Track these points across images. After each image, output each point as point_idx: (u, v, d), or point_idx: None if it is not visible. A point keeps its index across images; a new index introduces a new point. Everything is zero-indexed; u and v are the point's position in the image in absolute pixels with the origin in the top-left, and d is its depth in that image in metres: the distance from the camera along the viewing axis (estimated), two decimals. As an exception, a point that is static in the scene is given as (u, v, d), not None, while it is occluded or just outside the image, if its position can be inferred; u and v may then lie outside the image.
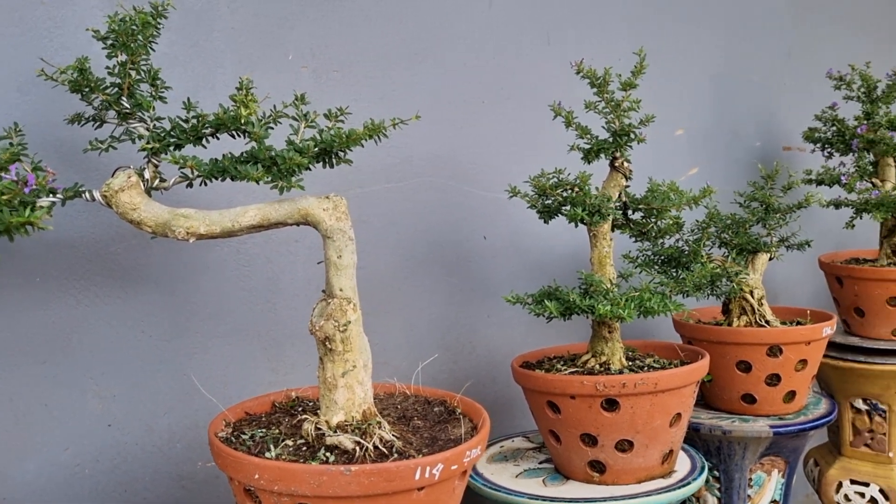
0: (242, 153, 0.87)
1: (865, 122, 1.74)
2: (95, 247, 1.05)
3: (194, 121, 0.87)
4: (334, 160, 0.87)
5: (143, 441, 1.10)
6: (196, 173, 0.86)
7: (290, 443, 0.83)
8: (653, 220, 1.27)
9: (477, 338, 1.47)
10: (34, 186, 0.76)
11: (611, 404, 1.11)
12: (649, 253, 1.38)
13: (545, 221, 1.21)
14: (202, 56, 1.13)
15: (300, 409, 0.95)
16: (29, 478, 1.02)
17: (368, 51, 1.30)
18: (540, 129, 1.42)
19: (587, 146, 1.22)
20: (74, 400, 1.04)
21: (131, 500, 1.08)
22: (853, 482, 1.72)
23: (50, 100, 1.00)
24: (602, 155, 1.21)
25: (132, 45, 0.85)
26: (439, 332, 1.42)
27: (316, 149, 0.85)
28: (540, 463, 1.26)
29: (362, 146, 0.87)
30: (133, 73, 0.87)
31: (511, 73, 1.49)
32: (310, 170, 0.88)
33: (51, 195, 0.82)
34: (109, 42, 0.86)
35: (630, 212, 1.27)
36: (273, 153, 0.83)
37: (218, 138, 0.89)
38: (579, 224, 1.17)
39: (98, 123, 0.91)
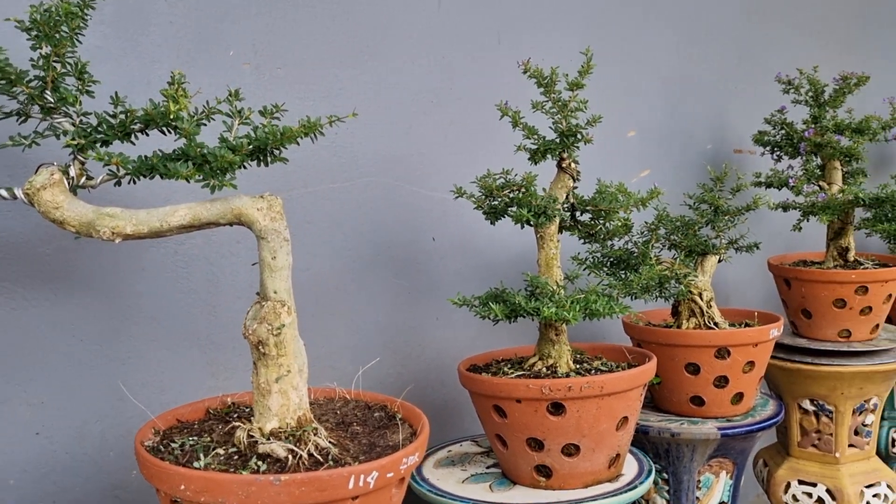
0: (174, 150, 0.83)
1: (813, 125, 1.76)
2: (23, 248, 1.00)
3: (122, 116, 0.83)
4: (269, 158, 0.84)
5: (74, 449, 1.05)
6: (123, 171, 0.82)
7: (221, 451, 0.80)
8: (601, 221, 1.27)
9: (425, 340, 1.45)
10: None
11: (557, 408, 1.10)
12: (598, 255, 1.38)
13: (492, 223, 1.20)
14: (138, 51, 1.10)
15: (235, 415, 0.92)
16: (-50, 489, 0.97)
17: (314, 48, 1.27)
18: (490, 130, 1.41)
19: (534, 147, 1.20)
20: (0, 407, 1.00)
21: (60, 511, 1.04)
22: (801, 482, 1.73)
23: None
24: (549, 156, 1.20)
25: (56, 36, 0.82)
26: (386, 335, 1.39)
27: (250, 146, 0.82)
28: (487, 468, 1.24)
29: (297, 144, 0.84)
30: (58, 65, 0.83)
31: (461, 73, 1.47)
32: (245, 168, 0.86)
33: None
34: (34, 33, 0.82)
35: (578, 213, 1.26)
36: (204, 151, 0.80)
37: (147, 135, 0.85)
38: (526, 225, 1.16)
39: (23, 118, 0.87)
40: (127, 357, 1.09)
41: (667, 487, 1.45)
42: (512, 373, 1.18)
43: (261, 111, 0.86)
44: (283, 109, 0.87)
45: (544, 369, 1.18)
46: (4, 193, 0.82)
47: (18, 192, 0.81)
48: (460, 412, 1.49)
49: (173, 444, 0.83)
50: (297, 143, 0.84)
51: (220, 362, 1.18)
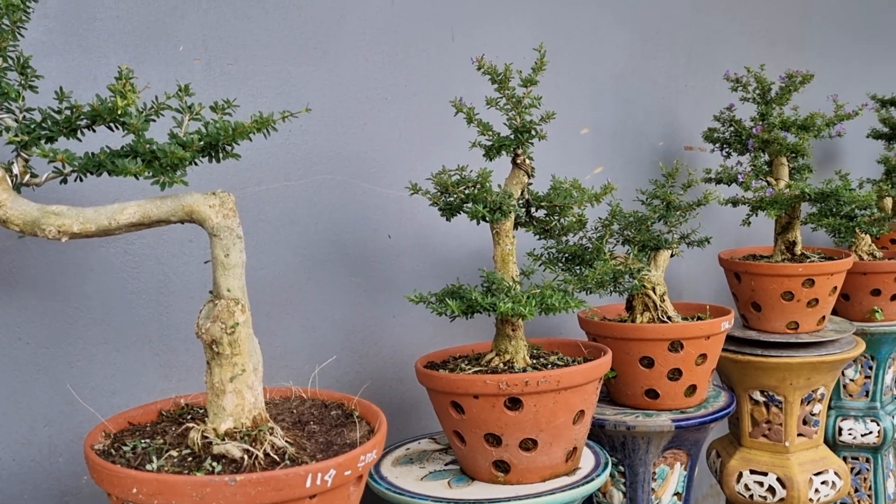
0: (122, 147, 0.82)
1: (760, 122, 1.80)
2: (-36, 248, 0.97)
3: (68, 112, 0.81)
4: (221, 154, 0.83)
5: (21, 455, 1.03)
6: (69, 168, 0.80)
7: (174, 453, 0.79)
8: (556, 217, 1.27)
9: (382, 338, 1.44)
10: None
11: (514, 403, 1.10)
12: (553, 250, 1.39)
13: (447, 219, 1.20)
14: (83, 45, 1.07)
15: (189, 417, 0.90)
16: None
17: (265, 43, 1.25)
18: (444, 126, 1.40)
19: (489, 143, 1.20)
20: (-59, 414, 0.97)
21: (7, 520, 1.01)
22: (752, 472, 1.77)
23: None
24: (504, 152, 1.20)
25: (-2, 29, 0.79)
26: (343, 334, 1.38)
27: (201, 142, 0.81)
28: (446, 465, 1.24)
29: (250, 140, 0.83)
30: (-1, 60, 0.81)
31: (415, 70, 1.46)
32: (196, 164, 0.84)
33: None
34: (-28, 26, 0.80)
35: (533, 209, 1.27)
36: (154, 147, 0.78)
37: (94, 131, 0.83)
38: (482, 222, 1.16)
39: (-39, 115, 0.84)
40: (76, 360, 1.07)
41: (623, 480, 1.47)
42: (469, 369, 1.18)
43: (212, 107, 0.85)
44: (235, 105, 0.85)
45: (501, 365, 1.18)
46: (-56, 192, 0.79)
47: (-41, 191, 0.78)
48: (418, 410, 1.49)
49: (125, 448, 0.81)
50: (250, 139, 0.83)
51: (173, 364, 1.16)
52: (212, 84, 1.20)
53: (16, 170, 0.82)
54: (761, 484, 1.75)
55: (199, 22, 1.18)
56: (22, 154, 0.82)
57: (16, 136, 0.80)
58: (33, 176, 0.83)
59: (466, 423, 1.13)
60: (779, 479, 1.73)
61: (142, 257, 1.13)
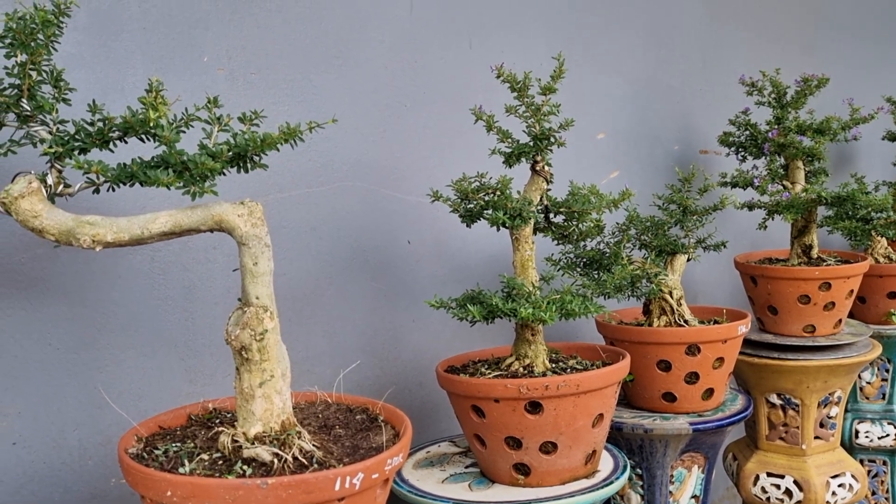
0: (153, 158, 0.84)
1: (776, 126, 1.80)
2: (-3, 256, 1.00)
3: (100, 124, 0.83)
4: (249, 165, 0.85)
5: (52, 459, 1.05)
6: (102, 179, 0.82)
7: (205, 457, 0.80)
8: (574, 223, 1.29)
9: (402, 343, 1.46)
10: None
11: (534, 407, 1.12)
12: (571, 256, 1.40)
13: (467, 225, 1.21)
14: (111, 57, 1.09)
15: (217, 421, 0.92)
16: (-74, 502, 0.96)
17: (287, 52, 1.28)
18: (464, 133, 1.42)
19: (508, 150, 1.22)
20: (-25, 418, 0.99)
21: (39, 522, 1.03)
22: (769, 475, 1.77)
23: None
24: (523, 159, 1.22)
25: (32, 44, 0.81)
26: (364, 339, 1.40)
27: (230, 153, 0.82)
28: (466, 467, 1.26)
29: (278, 150, 0.84)
30: (34, 73, 0.83)
31: (434, 77, 1.48)
32: (224, 174, 0.86)
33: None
34: (8, 41, 0.82)
35: (552, 215, 1.28)
36: (185, 158, 0.80)
37: (126, 142, 0.85)
38: (501, 228, 1.17)
39: (-2, 127, 0.86)
40: (104, 365, 1.09)
41: (641, 482, 1.48)
42: (489, 373, 1.19)
43: (240, 118, 0.87)
44: (263, 116, 0.87)
45: (521, 369, 1.19)
46: (-18, 203, 0.81)
47: (-5, 202, 0.80)
48: (438, 413, 1.51)
49: (157, 451, 0.83)
50: (278, 150, 0.84)
51: (198, 368, 1.18)
52: (235, 93, 1.22)
53: (50, 180, 0.84)
54: (778, 487, 1.75)
55: (222, 33, 1.20)
56: (56, 165, 0.84)
57: (50, 147, 0.82)
58: (66, 186, 0.85)
59: (487, 427, 1.15)
60: (796, 482, 1.74)
61: (168, 264, 1.15)
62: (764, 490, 1.77)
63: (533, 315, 1.08)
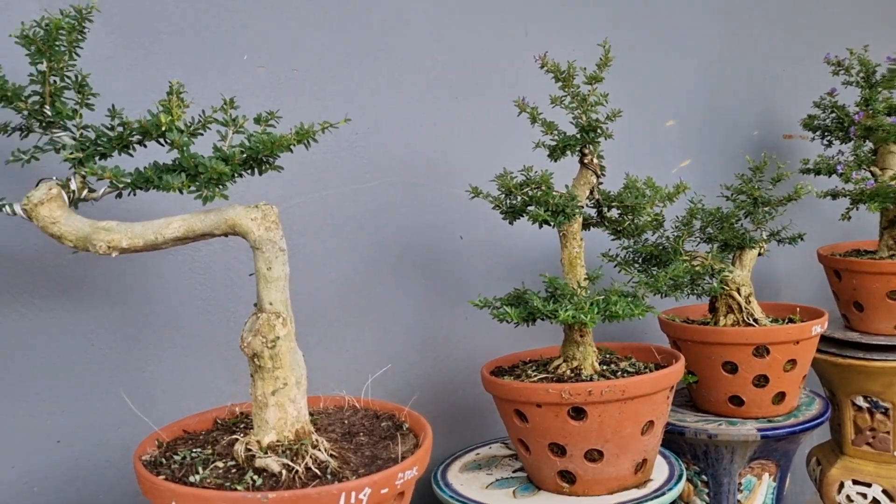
0: (171, 161, 0.83)
1: (864, 108, 1.67)
2: (38, 259, 1.02)
3: (120, 129, 0.83)
4: (262, 167, 0.83)
5: (95, 457, 1.07)
6: (120, 184, 0.82)
7: (220, 464, 0.80)
8: (629, 217, 1.22)
9: (454, 340, 1.43)
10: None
11: (578, 413, 1.07)
12: (630, 250, 1.33)
13: (510, 222, 1.17)
14: (150, 60, 1.10)
15: (241, 426, 0.91)
16: (-24, 497, 0.99)
17: (328, 47, 1.26)
18: (516, 125, 1.37)
19: (553, 143, 1.16)
20: (20, 417, 1.01)
21: (83, 518, 1.05)
22: (855, 482, 1.66)
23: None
24: (569, 152, 1.16)
25: (53, 50, 0.82)
26: (414, 337, 1.38)
27: (243, 155, 0.81)
28: (514, 472, 1.22)
29: (291, 151, 0.82)
30: (56, 79, 0.83)
31: (486, 67, 1.44)
32: (241, 177, 0.84)
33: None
34: (32, 48, 0.82)
35: (605, 209, 1.22)
36: (197, 161, 0.79)
37: (146, 146, 0.85)
38: (544, 225, 1.12)
39: (24, 133, 0.88)
40: (146, 364, 1.10)
41: (707, 490, 1.40)
42: (535, 376, 1.15)
43: (255, 118, 0.85)
44: (278, 116, 0.85)
45: (568, 372, 1.14)
46: (18, 209, 0.82)
47: (17, 208, 0.81)
48: (492, 413, 1.47)
49: (175, 457, 0.82)
50: (291, 151, 0.82)
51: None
52: (277, 91, 1.21)
53: (73, 185, 0.84)
54: (864, 496, 1.64)
55: (261, 30, 1.19)
56: (79, 171, 0.84)
57: (71, 153, 0.82)
58: (91, 191, 0.85)
59: (530, 432, 1.11)
60: (884, 491, 1.62)
61: (209, 263, 1.15)
62: (849, 498, 1.66)
63: (573, 317, 1.03)
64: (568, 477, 1.11)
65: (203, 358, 1.15)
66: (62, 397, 1.04)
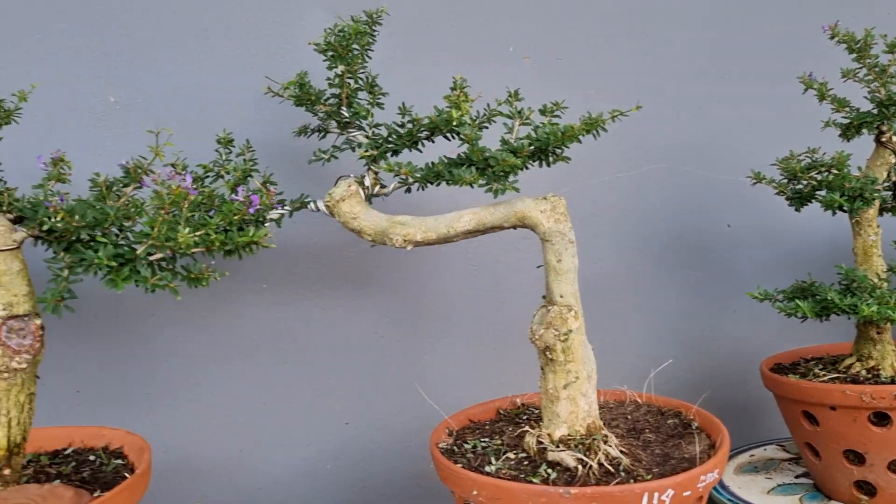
0: (459, 155, 0.85)
1: None
2: (328, 252, 1.09)
3: (409, 125, 0.86)
4: (550, 158, 0.82)
5: (379, 439, 1.13)
6: (412, 179, 0.85)
7: (511, 455, 0.80)
8: (933, 201, 1.09)
9: (721, 335, 1.35)
10: (258, 206, 0.79)
11: (880, 418, 0.97)
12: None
13: (796, 209, 1.08)
14: (424, 56, 1.13)
15: (525, 417, 0.92)
16: (278, 471, 1.08)
17: (590, 34, 1.23)
18: (789, 105, 1.27)
19: (846, 121, 1.06)
20: (314, 399, 1.09)
21: (369, 497, 1.12)
22: None
23: (283, 114, 1.04)
24: (865, 130, 1.05)
25: (349, 55, 0.86)
26: (679, 330, 1.32)
27: (531, 147, 0.81)
28: (796, 477, 1.13)
29: (580, 142, 0.81)
30: (351, 82, 0.88)
31: (754, 42, 1.34)
32: (527, 168, 0.84)
33: (279, 206, 0.85)
34: (330, 54, 0.87)
35: (903, 193, 1.10)
36: (486, 154, 0.80)
37: (433, 141, 0.87)
38: (838, 211, 1.03)
39: (322, 134, 0.93)
40: (422, 353, 1.14)
41: None
42: (823, 375, 1.05)
43: (541, 109, 0.84)
44: (564, 107, 0.84)
45: (864, 372, 1.04)
46: (321, 206, 0.88)
47: (320, 205, 0.86)
48: (763, 412, 1.38)
49: (466, 446, 0.84)
50: (580, 141, 0.81)
51: (509, 358, 1.19)
52: (541, 80, 1.20)
53: (367, 182, 0.88)
54: None
55: (526, 20, 1.19)
56: (372, 167, 0.89)
57: (366, 151, 0.87)
58: (382, 187, 0.90)
59: (821, 437, 1.02)
60: None
61: (480, 255, 1.17)
62: None
63: (878, 313, 0.93)
64: (866, 488, 1.01)
65: (473, 348, 1.18)
66: (349, 382, 1.11)
